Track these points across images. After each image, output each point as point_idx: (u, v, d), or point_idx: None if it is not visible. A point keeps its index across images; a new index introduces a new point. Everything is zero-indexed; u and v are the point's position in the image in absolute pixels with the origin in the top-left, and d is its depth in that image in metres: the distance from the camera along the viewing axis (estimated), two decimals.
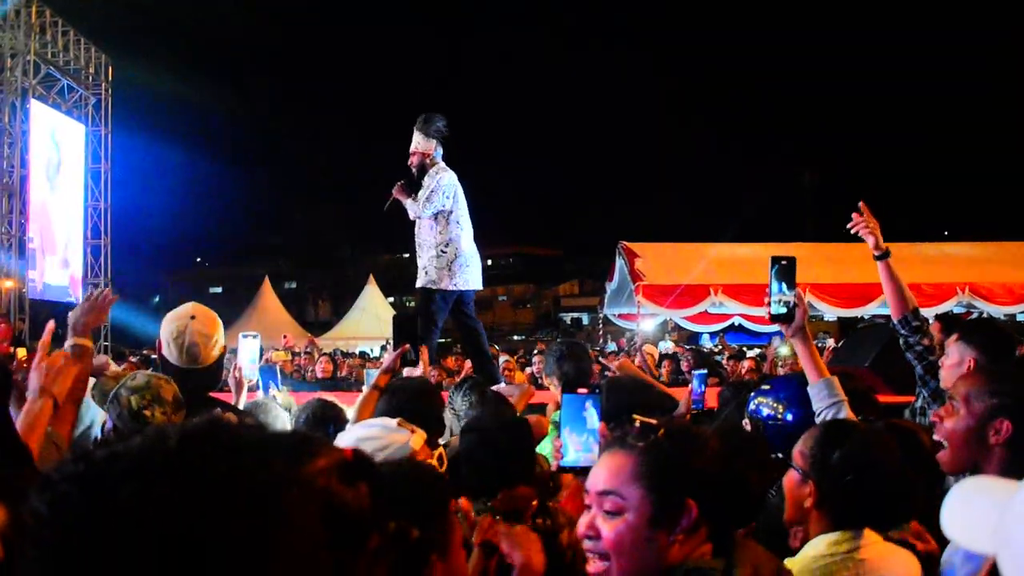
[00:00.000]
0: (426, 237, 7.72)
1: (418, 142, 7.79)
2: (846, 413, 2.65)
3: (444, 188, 7.82)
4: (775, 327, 3.40)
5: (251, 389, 4.11)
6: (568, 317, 54.12)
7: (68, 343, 2.61)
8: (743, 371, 9.25)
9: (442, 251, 7.78)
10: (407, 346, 3.83)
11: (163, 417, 2.74)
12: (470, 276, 7.80)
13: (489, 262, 59.54)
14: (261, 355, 4.51)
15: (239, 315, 25.75)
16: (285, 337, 16.39)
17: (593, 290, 34.99)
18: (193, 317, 3.33)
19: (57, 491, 0.66)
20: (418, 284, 7.69)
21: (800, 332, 2.79)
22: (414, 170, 7.80)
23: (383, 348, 21.94)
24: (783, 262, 2.84)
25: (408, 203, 7.62)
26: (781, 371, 8.50)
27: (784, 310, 2.80)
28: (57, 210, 17.68)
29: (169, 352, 3.30)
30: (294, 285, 47.95)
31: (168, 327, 3.31)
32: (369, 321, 26.28)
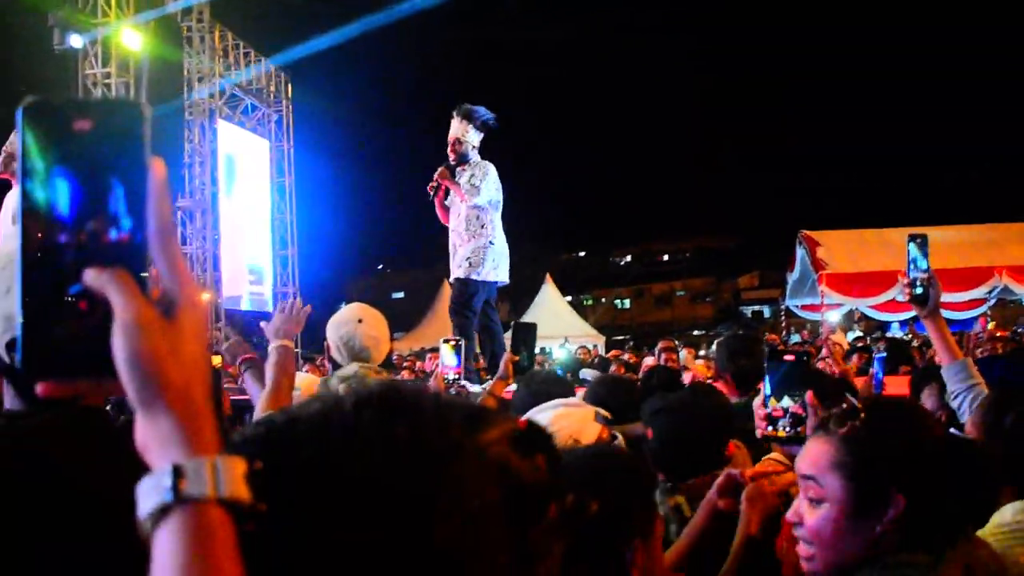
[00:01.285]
0: (474, 228, 7.62)
1: (464, 132, 7.71)
2: (983, 394, 2.44)
3: (494, 180, 7.74)
4: (971, 312, 3.19)
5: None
6: (749, 310, 52.89)
7: (272, 345, 2.69)
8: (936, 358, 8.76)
9: (491, 242, 7.70)
10: (515, 356, 3.77)
11: None
12: (506, 269, 7.75)
13: (666, 257, 58.84)
14: (460, 358, 4.55)
15: (421, 318, 26.36)
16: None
17: (774, 281, 34.09)
18: (361, 320, 3.34)
19: (240, 454, 0.69)
20: (461, 275, 7.58)
21: (934, 313, 2.65)
22: (453, 159, 7.74)
23: (562, 345, 22.08)
24: (918, 239, 2.71)
25: (456, 189, 7.53)
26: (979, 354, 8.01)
27: (921, 290, 2.66)
28: (246, 224, 18.52)
29: (340, 355, 3.32)
30: None
31: (337, 331, 3.33)
32: (547, 319, 26.42)
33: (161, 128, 14.15)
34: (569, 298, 32.47)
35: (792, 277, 16.56)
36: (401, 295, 48.29)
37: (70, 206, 0.75)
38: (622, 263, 64.23)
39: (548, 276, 29.20)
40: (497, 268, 7.68)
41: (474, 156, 7.71)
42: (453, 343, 4.10)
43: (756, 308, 52.15)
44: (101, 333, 0.74)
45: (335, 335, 3.32)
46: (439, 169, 7.80)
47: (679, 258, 60.56)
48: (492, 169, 7.71)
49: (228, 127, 17.72)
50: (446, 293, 28.28)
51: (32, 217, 0.76)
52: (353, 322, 3.34)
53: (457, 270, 7.55)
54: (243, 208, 18.45)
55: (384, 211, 49.34)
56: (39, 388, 0.76)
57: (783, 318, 20.30)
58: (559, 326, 26.10)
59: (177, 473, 0.71)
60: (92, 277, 0.73)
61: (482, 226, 7.64)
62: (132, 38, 12.72)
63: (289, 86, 19.97)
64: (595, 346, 25.14)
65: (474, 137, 7.80)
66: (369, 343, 3.30)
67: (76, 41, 12.02)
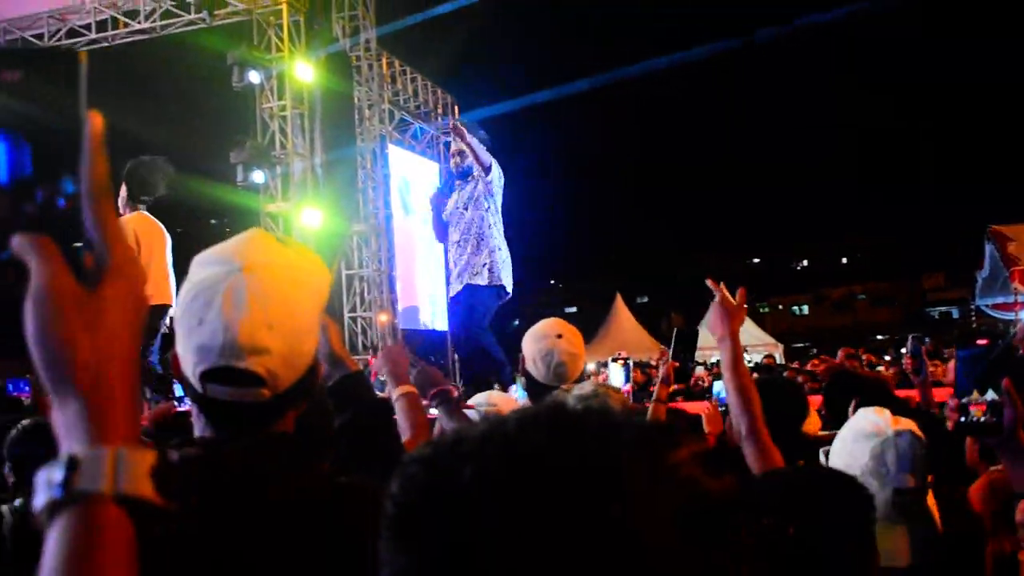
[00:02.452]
0: (485, 232, 7.35)
1: (469, 143, 7.47)
2: None
3: (499, 188, 7.46)
4: None
5: None
6: (936, 312, 50.43)
7: (395, 395, 2.43)
8: None
9: (499, 247, 7.43)
10: (676, 363, 3.72)
11: None
12: (511, 277, 7.48)
13: (844, 260, 56.64)
14: (628, 377, 4.46)
15: (595, 332, 26.30)
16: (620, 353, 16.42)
17: (962, 280, 32.36)
18: (560, 336, 3.28)
19: (407, 472, 0.67)
20: (479, 281, 7.30)
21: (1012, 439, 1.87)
22: (457, 170, 7.49)
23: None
24: (974, 352, 2.02)
25: (474, 153, 7.21)
26: None
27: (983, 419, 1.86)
28: (419, 245, 18.92)
29: (535, 369, 3.26)
30: (646, 299, 48.42)
31: (535, 345, 3.27)
32: None
33: (336, 157, 14.68)
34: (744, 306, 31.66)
35: (982, 275, 15.68)
36: (574, 310, 48.40)
37: (2, 166, 0.70)
38: (798, 268, 62.46)
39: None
40: (510, 277, 7.52)
41: (477, 170, 7.57)
42: (622, 361, 4.01)
43: (943, 309, 49.73)
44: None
45: (533, 348, 3.27)
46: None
47: (858, 260, 58.30)
48: (497, 175, 7.55)
49: (398, 151, 18.17)
50: (620, 307, 28.32)
51: None
52: (553, 336, 3.27)
53: (478, 277, 7.31)
54: (417, 230, 18.87)
55: (555, 226, 49.62)
56: None
57: (973, 319, 19.26)
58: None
59: (71, 465, 0.66)
60: (16, 243, 0.67)
61: (498, 231, 7.49)
62: (305, 71, 13.19)
63: (455, 108, 20.34)
64: (770, 355, 24.55)
65: (476, 147, 7.66)
66: (567, 359, 3.23)
67: (254, 77, 12.56)
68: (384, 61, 17.31)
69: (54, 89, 0.71)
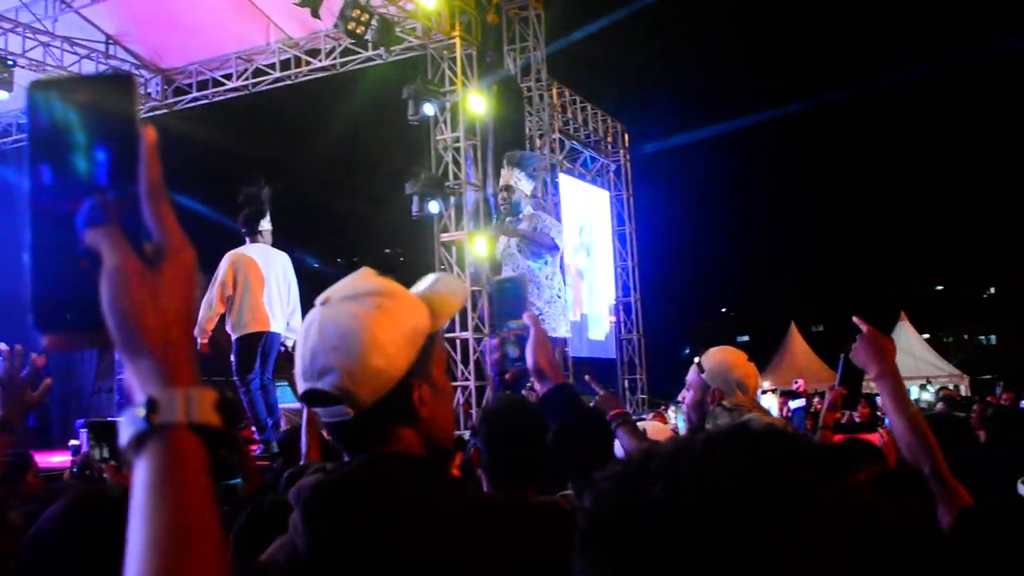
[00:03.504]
0: (539, 279, 6.97)
1: (515, 179, 7.09)
2: None
3: (557, 225, 7.06)
4: None
5: None
6: None
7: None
8: None
9: (557, 296, 7.03)
10: (844, 390, 3.66)
11: None
12: (567, 324, 7.10)
13: None
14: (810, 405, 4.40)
15: (767, 361, 25.63)
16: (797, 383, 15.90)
17: None
18: (749, 360, 3.34)
19: (598, 489, 0.71)
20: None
21: None
22: (504, 206, 7.12)
23: (923, 387, 20.60)
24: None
25: (535, 236, 6.85)
26: None
27: None
28: (591, 273, 18.90)
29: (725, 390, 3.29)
30: (822, 328, 46.85)
31: (723, 372, 3.24)
32: (905, 360, 24.83)
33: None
34: (927, 335, 30.30)
35: None
36: (746, 338, 47.35)
37: (73, 174, 0.84)
38: (985, 295, 59.20)
39: (903, 314, 27.50)
40: (564, 326, 7.23)
41: (526, 207, 7.28)
42: (771, 392, 4.02)
43: None
44: (98, 288, 0.82)
45: (723, 375, 3.26)
46: (504, 225, 7.34)
47: None
48: (549, 219, 7.26)
49: (568, 180, 18.24)
50: (795, 336, 27.50)
51: (39, 186, 0.84)
52: (743, 364, 3.30)
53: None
54: (589, 258, 18.89)
55: (724, 253, 48.78)
56: (44, 341, 0.86)
57: None
58: (918, 366, 24.46)
59: (151, 405, 0.81)
60: (89, 236, 0.83)
61: (547, 277, 7.20)
62: (477, 103, 13.39)
63: (626, 136, 20.28)
64: (956, 387, 23.34)
65: (526, 186, 7.38)
66: (751, 382, 3.27)
67: (428, 109, 12.83)
68: (555, 91, 17.44)
69: (113, 107, 0.86)
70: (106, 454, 3.51)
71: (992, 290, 59.28)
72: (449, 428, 1.57)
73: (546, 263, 7.44)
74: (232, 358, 8.05)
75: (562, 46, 17.16)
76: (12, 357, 2.93)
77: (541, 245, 7.25)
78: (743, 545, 0.63)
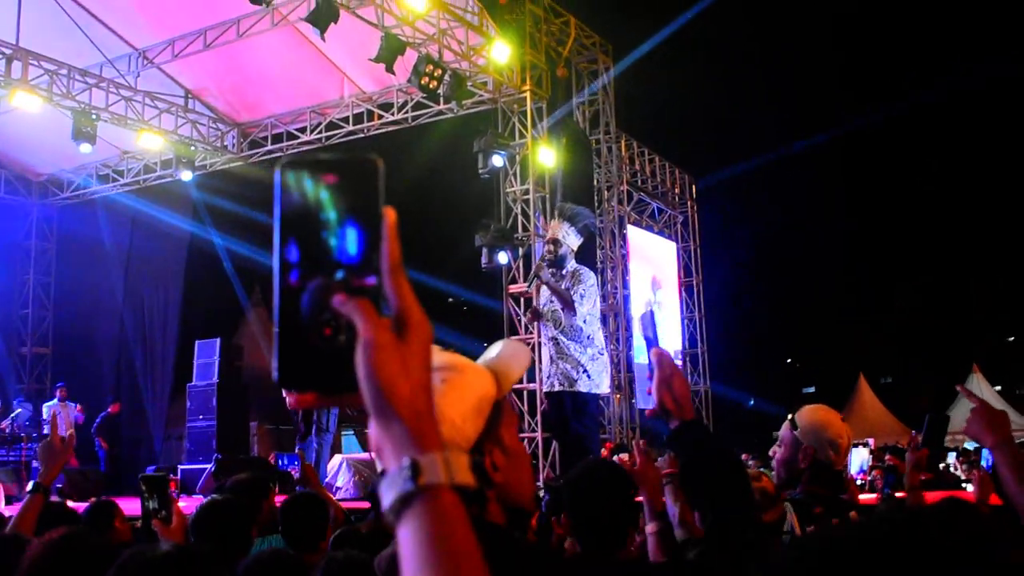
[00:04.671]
0: (580, 337, 6.90)
1: (564, 234, 7.03)
2: None
3: (594, 291, 6.99)
4: None
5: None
6: None
7: None
8: None
9: (600, 353, 6.93)
10: (927, 450, 3.60)
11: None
12: (608, 381, 7.04)
13: None
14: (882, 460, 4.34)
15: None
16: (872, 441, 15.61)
17: None
18: (843, 420, 3.29)
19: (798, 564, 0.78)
20: (578, 388, 6.90)
21: None
22: (549, 257, 7.05)
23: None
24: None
25: (561, 296, 6.86)
26: None
27: None
28: (662, 327, 18.79)
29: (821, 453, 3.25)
30: (890, 380, 45.91)
31: (822, 434, 3.21)
32: None
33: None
34: (999, 388, 29.58)
35: None
36: (812, 389, 46.62)
37: (322, 250, 0.89)
38: None
39: (975, 366, 26.91)
40: (606, 382, 7.18)
41: (571, 263, 7.22)
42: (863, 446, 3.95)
43: None
44: (344, 354, 0.88)
45: (820, 435, 3.24)
46: (537, 265, 7.33)
47: None
48: (591, 277, 7.22)
49: (636, 231, 18.21)
50: (864, 388, 27.03)
51: (287, 261, 0.89)
52: (838, 422, 3.25)
53: (576, 383, 7.13)
54: (664, 312, 18.80)
55: (790, 304, 48.17)
56: (289, 400, 0.92)
57: None
58: None
59: (415, 467, 0.85)
60: (340, 303, 0.88)
61: (588, 337, 7.14)
62: (547, 155, 13.47)
63: (693, 187, 20.23)
64: None
65: (573, 241, 7.32)
66: (843, 442, 3.22)
67: (498, 161, 12.92)
68: (623, 142, 17.49)
69: (359, 189, 0.91)
70: (156, 505, 3.53)
71: None
72: (526, 489, 1.60)
73: (585, 321, 7.45)
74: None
75: (632, 99, 17.26)
76: (53, 420, 3.01)
77: (563, 301, 7.31)
78: None
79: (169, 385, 16.90)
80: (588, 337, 7.48)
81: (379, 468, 1.13)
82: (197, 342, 14.07)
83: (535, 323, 7.91)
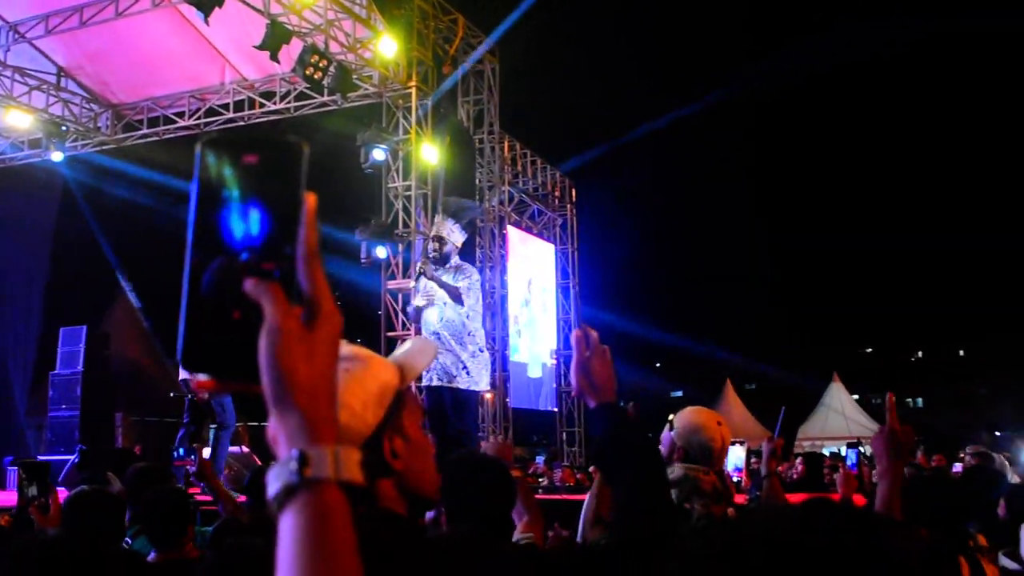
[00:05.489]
0: (462, 334, 7.16)
1: (448, 231, 7.29)
2: None
3: (477, 287, 7.25)
4: None
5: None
6: None
7: None
8: None
9: (480, 351, 7.21)
10: (783, 440, 3.78)
11: (703, 509, 2.76)
12: (488, 378, 7.30)
13: (961, 352, 54.68)
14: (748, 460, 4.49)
15: None
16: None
17: None
18: (720, 423, 3.35)
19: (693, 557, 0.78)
20: (458, 384, 7.13)
21: None
22: (434, 255, 7.30)
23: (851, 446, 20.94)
24: None
25: (449, 286, 7.08)
26: None
27: None
28: (533, 328, 18.99)
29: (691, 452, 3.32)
30: (754, 386, 47.42)
31: (695, 435, 3.30)
32: (835, 419, 25.34)
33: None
34: (857, 396, 30.88)
35: None
36: (680, 394, 47.74)
37: (235, 228, 0.87)
38: (913, 359, 60.45)
39: (835, 374, 28.09)
40: (483, 378, 7.37)
41: (455, 259, 7.41)
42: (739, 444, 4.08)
43: None
44: (251, 340, 0.86)
45: (691, 438, 3.30)
46: (420, 263, 7.47)
47: (979, 353, 56.12)
48: (475, 273, 7.39)
49: (516, 232, 18.39)
50: (730, 393, 27.85)
51: (200, 236, 0.87)
52: (713, 426, 3.32)
53: (456, 380, 7.22)
54: (530, 309, 18.98)
55: (662, 310, 49.26)
56: (194, 383, 0.90)
57: None
58: (849, 427, 24.90)
59: (303, 459, 0.85)
60: (251, 287, 0.86)
61: (469, 333, 7.30)
62: (430, 152, 13.49)
63: (573, 191, 20.53)
64: None
65: (458, 237, 7.49)
66: (715, 445, 3.29)
67: (378, 155, 12.85)
68: (506, 144, 17.63)
69: (281, 170, 0.89)
70: (35, 492, 3.45)
71: (920, 354, 60.53)
72: (429, 478, 1.61)
73: (468, 317, 7.45)
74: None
75: (516, 101, 17.41)
76: None
77: (451, 295, 7.30)
78: None
79: (30, 373, 16.26)
80: (470, 334, 7.46)
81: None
82: (62, 329, 13.56)
83: (416, 319, 7.81)
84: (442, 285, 7.29)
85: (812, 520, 0.77)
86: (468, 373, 7.34)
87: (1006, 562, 2.21)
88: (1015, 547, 2.56)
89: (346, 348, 1.52)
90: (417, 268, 7.97)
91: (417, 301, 7.68)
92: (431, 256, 7.56)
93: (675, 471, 3.06)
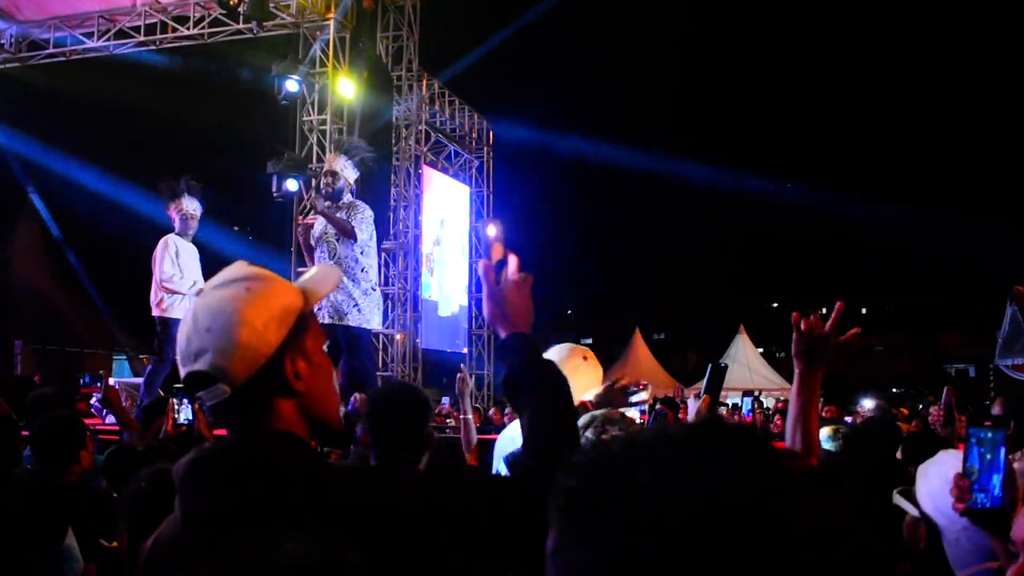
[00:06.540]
0: (355, 271, 7.29)
1: (341, 166, 7.41)
2: None
3: (370, 222, 7.33)
4: None
5: None
6: (952, 368, 49.94)
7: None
8: None
9: (372, 288, 7.35)
10: (709, 397, 3.82)
11: (622, 432, 2.79)
12: (380, 316, 7.43)
13: (864, 310, 56.43)
14: (654, 408, 4.51)
15: (610, 365, 26.27)
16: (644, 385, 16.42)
17: (981, 339, 31.99)
18: (586, 358, 3.36)
19: (582, 471, 0.72)
20: (350, 322, 7.26)
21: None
22: (327, 190, 7.41)
23: (755, 398, 21.52)
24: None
25: (339, 223, 7.17)
26: None
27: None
28: (444, 266, 18.99)
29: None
30: (663, 336, 48.30)
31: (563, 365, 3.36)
32: (740, 371, 25.96)
33: (371, 172, 14.77)
34: (761, 350, 31.62)
35: (1002, 335, 15.63)
36: (589, 341, 48.29)
37: None
38: (815, 315, 62.07)
39: (741, 327, 28.65)
40: (377, 317, 7.48)
41: (347, 196, 7.49)
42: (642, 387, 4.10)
43: (960, 367, 49.32)
44: None
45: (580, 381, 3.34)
46: (311, 199, 7.49)
47: (879, 312, 57.97)
48: (367, 209, 7.46)
49: (431, 172, 18.30)
50: (638, 342, 28.28)
51: None
52: (579, 358, 3.34)
53: (348, 317, 7.32)
54: (443, 250, 18.97)
55: (571, 254, 49.60)
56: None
57: (992, 378, 19.18)
58: (752, 379, 25.51)
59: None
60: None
61: (363, 270, 7.39)
62: (347, 87, 13.32)
63: (490, 134, 20.47)
64: (785, 400, 24.50)
65: (351, 174, 7.56)
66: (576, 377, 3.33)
67: (292, 86, 12.64)
68: (424, 82, 17.46)
69: None
70: None
71: (823, 311, 62.12)
72: (330, 403, 1.62)
73: (362, 253, 7.41)
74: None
75: (435, 38, 17.21)
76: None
77: (342, 230, 7.25)
78: (731, 523, 0.66)
79: None
80: (363, 270, 7.45)
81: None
82: None
83: (310, 253, 7.76)
84: (331, 220, 7.24)
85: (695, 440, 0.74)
86: (360, 311, 7.34)
87: (899, 500, 2.31)
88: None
89: (249, 268, 1.57)
90: (308, 203, 7.89)
91: (311, 236, 7.64)
92: (323, 191, 7.51)
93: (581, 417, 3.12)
